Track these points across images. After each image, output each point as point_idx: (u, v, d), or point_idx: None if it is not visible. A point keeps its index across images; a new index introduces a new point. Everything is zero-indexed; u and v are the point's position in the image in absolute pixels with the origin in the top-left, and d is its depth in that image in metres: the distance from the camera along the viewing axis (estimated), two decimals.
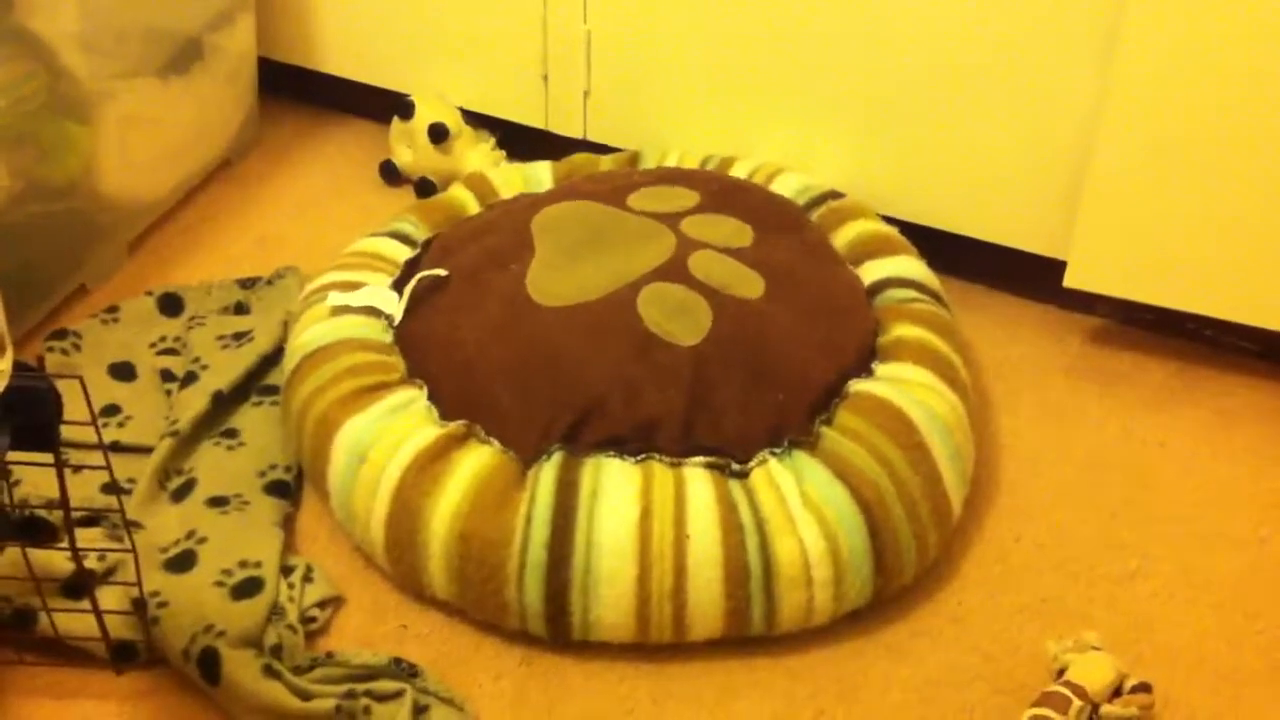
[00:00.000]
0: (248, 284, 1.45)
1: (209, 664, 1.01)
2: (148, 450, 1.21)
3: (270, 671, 1.00)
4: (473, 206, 1.44)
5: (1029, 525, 1.20)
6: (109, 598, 1.05)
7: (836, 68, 1.43)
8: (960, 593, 1.13)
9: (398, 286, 1.28)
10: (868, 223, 1.39)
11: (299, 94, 1.80)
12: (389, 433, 1.12)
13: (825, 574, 1.04)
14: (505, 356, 1.16)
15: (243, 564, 1.10)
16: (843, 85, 1.44)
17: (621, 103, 1.58)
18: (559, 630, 1.06)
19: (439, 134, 1.62)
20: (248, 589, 1.07)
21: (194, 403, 1.25)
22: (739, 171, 1.47)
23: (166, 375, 1.31)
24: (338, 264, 1.34)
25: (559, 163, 1.51)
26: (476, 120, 1.67)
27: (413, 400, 1.16)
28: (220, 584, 1.08)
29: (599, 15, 1.53)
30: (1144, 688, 0.96)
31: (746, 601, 1.04)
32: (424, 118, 1.64)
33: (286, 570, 1.11)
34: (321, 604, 1.10)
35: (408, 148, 1.66)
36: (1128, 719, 0.92)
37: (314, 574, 1.12)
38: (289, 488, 1.20)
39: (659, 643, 1.06)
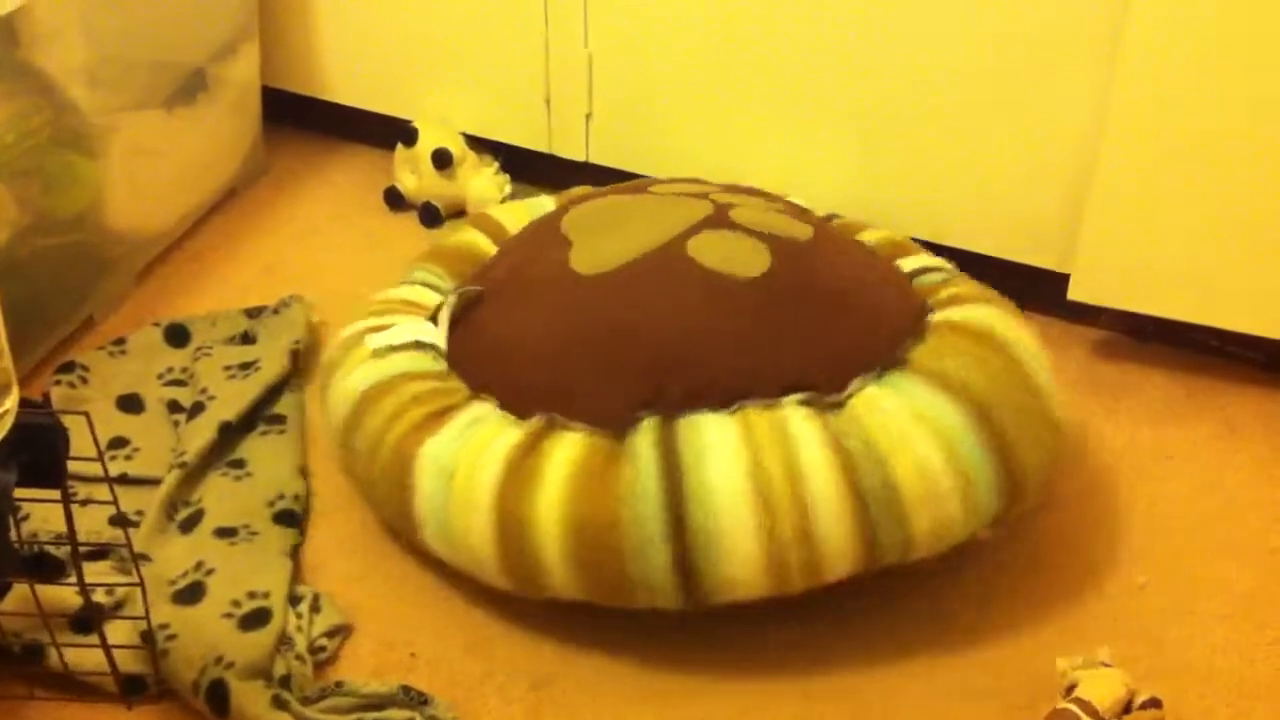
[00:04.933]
0: (254, 313, 1.45)
1: (218, 696, 1.01)
2: (156, 482, 1.22)
3: (279, 702, 1.01)
4: (485, 245, 1.40)
5: (1037, 540, 1.20)
6: (118, 631, 1.05)
7: (838, 86, 1.44)
8: (969, 609, 1.13)
9: (433, 319, 1.25)
10: (879, 232, 1.39)
11: (303, 122, 1.82)
12: (472, 443, 1.07)
13: (949, 485, 1.01)
14: (567, 336, 1.13)
15: (251, 594, 1.10)
16: (844, 103, 1.45)
17: (623, 125, 1.59)
18: (691, 598, 1.02)
19: (442, 159, 1.63)
20: (256, 620, 1.08)
21: (201, 433, 1.25)
22: None
23: (174, 406, 1.32)
24: (369, 311, 1.30)
25: (561, 195, 1.49)
26: (480, 145, 1.68)
27: (486, 413, 1.12)
28: (229, 615, 1.08)
29: (600, 39, 1.54)
30: (1154, 703, 0.96)
31: (874, 530, 1.00)
32: (427, 143, 1.65)
33: (294, 600, 1.11)
34: (330, 633, 1.10)
35: (412, 174, 1.67)
36: None
37: (322, 603, 1.13)
38: (297, 517, 1.20)
39: (794, 591, 1.02)
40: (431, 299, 1.31)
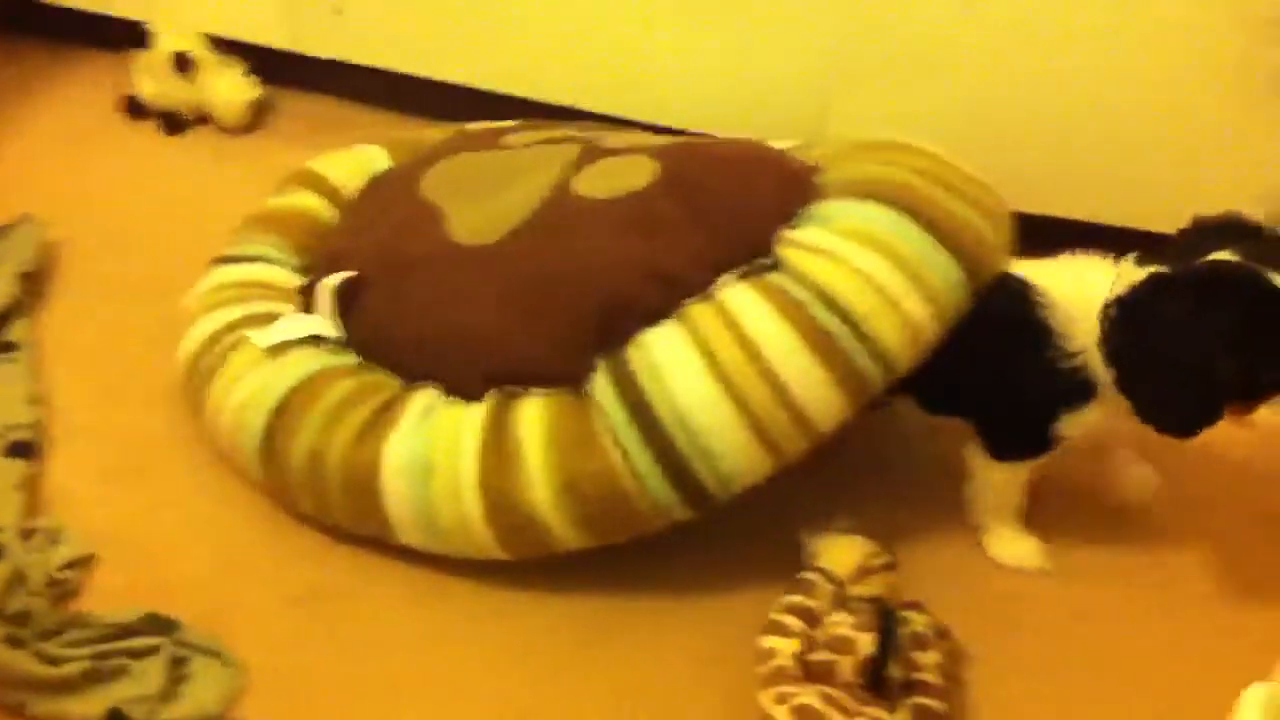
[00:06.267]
0: None
1: None
2: None
3: (14, 641, 0.96)
4: (320, 208, 1.29)
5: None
6: None
7: None
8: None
9: (306, 308, 1.17)
10: None
11: (27, 28, 1.68)
12: (438, 434, 1.02)
13: (900, 283, 0.99)
14: (491, 308, 1.07)
15: None
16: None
17: (376, 19, 1.52)
18: (703, 505, 0.99)
19: (183, 63, 1.54)
20: None
21: None
22: None
23: None
24: (220, 300, 1.18)
25: (389, 144, 1.38)
26: (224, 46, 1.59)
27: (433, 401, 1.06)
28: None
29: None
30: (889, 566, 0.99)
31: (848, 360, 0.97)
32: (166, 47, 1.55)
33: (27, 534, 1.06)
34: (71, 565, 1.05)
35: (151, 80, 1.57)
36: (873, 596, 0.95)
37: (62, 535, 1.07)
38: (30, 447, 1.14)
39: (798, 456, 0.99)
40: (283, 277, 1.21)
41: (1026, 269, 1.03)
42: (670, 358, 1.00)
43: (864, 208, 1.04)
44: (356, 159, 1.36)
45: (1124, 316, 0.94)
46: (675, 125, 1.44)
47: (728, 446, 0.98)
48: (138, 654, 0.98)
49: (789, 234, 1.05)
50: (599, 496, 0.99)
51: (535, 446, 1.00)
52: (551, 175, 1.16)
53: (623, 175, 1.13)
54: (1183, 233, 0.99)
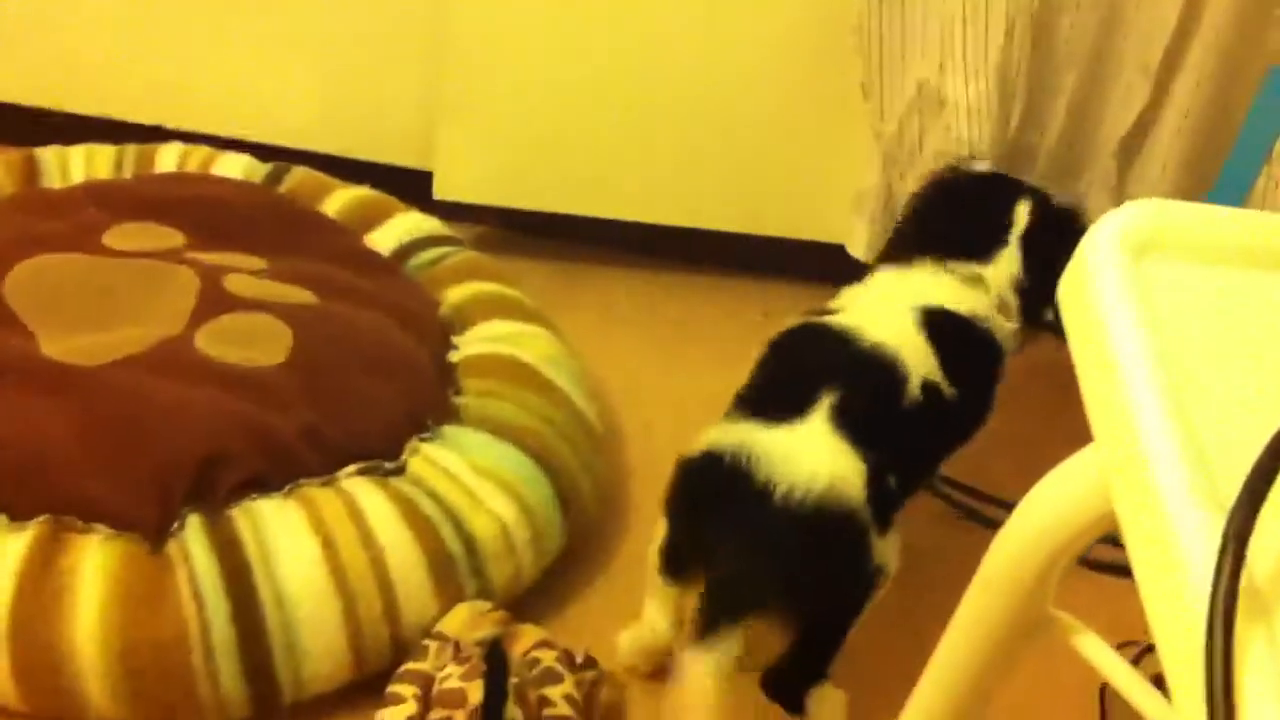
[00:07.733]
0: None
1: None
2: None
3: None
4: None
5: None
6: None
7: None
8: None
9: None
10: (347, 191, 1.30)
11: None
12: None
13: (525, 535, 1.01)
14: (77, 434, 0.94)
15: None
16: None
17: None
18: (265, 705, 0.90)
19: None
20: None
21: None
22: (166, 161, 1.31)
23: None
24: None
25: None
26: None
27: None
28: None
29: None
30: (504, 621, 0.96)
31: (459, 589, 0.97)
32: None
33: None
34: None
35: None
36: (484, 639, 0.92)
37: None
38: None
39: (372, 673, 0.93)
40: None
41: (901, 296, 1.01)
42: (285, 535, 0.93)
43: (506, 451, 1.04)
44: None
45: (1051, 233, 1.04)
46: (278, 143, 1.36)
47: (320, 648, 0.91)
48: None
49: (422, 445, 1.03)
50: (160, 672, 0.87)
51: (94, 597, 0.87)
52: (171, 322, 1.06)
53: (252, 341, 1.06)
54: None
